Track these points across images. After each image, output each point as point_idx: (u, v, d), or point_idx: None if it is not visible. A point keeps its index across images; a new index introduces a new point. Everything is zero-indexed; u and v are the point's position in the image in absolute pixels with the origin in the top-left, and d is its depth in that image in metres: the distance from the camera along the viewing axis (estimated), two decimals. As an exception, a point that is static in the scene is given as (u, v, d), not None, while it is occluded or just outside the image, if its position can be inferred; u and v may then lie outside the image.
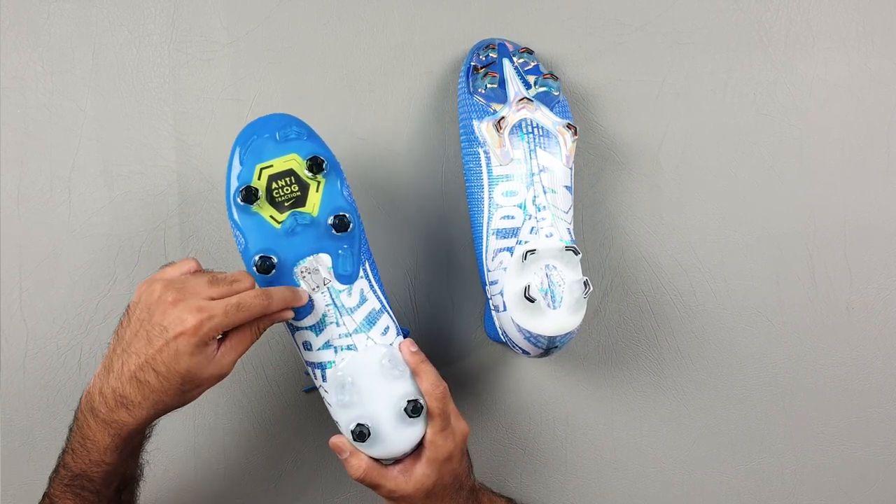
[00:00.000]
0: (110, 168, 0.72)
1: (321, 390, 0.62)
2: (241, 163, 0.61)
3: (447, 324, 0.75)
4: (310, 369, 0.62)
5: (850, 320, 0.77)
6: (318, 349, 0.61)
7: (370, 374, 0.60)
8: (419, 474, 0.61)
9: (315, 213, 0.61)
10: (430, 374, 0.61)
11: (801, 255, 0.77)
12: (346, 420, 0.60)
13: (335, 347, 0.61)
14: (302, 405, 0.74)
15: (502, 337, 0.67)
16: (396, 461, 0.62)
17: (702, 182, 0.76)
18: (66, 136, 0.72)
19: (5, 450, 0.72)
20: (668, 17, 0.76)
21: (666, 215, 0.76)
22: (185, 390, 0.56)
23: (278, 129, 0.61)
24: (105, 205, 0.72)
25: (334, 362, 0.61)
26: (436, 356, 0.75)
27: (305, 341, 0.61)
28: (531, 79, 0.70)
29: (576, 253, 0.64)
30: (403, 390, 0.61)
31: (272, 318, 0.59)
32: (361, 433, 0.59)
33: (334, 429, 0.72)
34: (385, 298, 0.63)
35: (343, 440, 0.61)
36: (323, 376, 0.61)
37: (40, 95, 0.72)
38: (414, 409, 0.60)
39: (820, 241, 0.77)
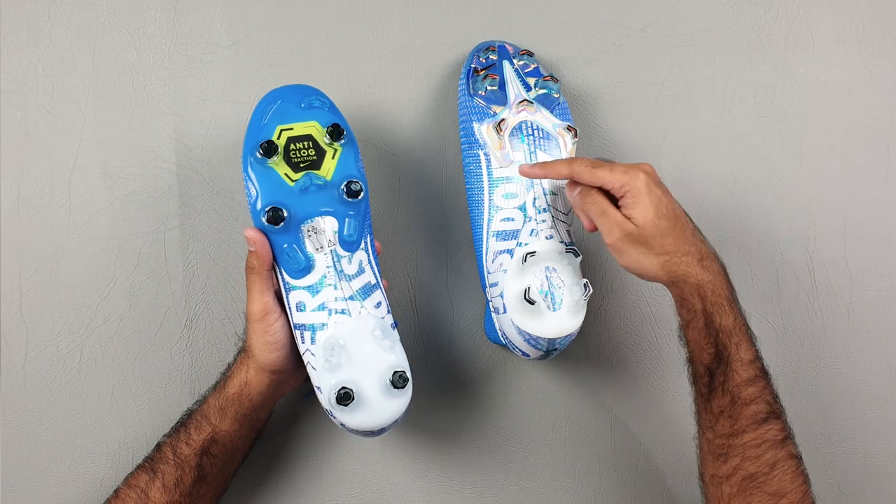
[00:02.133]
0: (110, 170, 0.72)
1: (307, 354, 0.62)
2: (263, 122, 0.62)
3: (447, 325, 0.75)
4: (298, 332, 0.62)
5: (851, 322, 0.77)
6: (312, 310, 0.61)
7: (361, 341, 0.61)
8: (638, 211, 0.61)
9: (329, 178, 0.62)
10: (554, 164, 0.64)
11: (801, 257, 0.77)
12: (330, 383, 0.60)
13: (329, 310, 0.61)
14: (302, 407, 0.74)
15: (502, 339, 0.67)
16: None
17: (702, 184, 0.76)
18: (67, 138, 0.72)
19: (5, 450, 0.72)
20: (668, 20, 0.76)
21: (666, 217, 0.76)
22: None
23: (303, 97, 0.63)
24: (105, 207, 0.72)
25: (326, 324, 0.61)
26: (435, 357, 0.75)
27: (300, 301, 0.62)
28: (531, 81, 0.70)
29: (576, 255, 0.64)
30: (391, 361, 0.61)
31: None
32: (346, 394, 0.59)
33: (334, 428, 0.72)
34: (380, 276, 0.64)
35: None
36: (312, 339, 0.61)
37: (40, 98, 0.72)
38: (400, 379, 0.60)
39: (820, 242, 0.77)
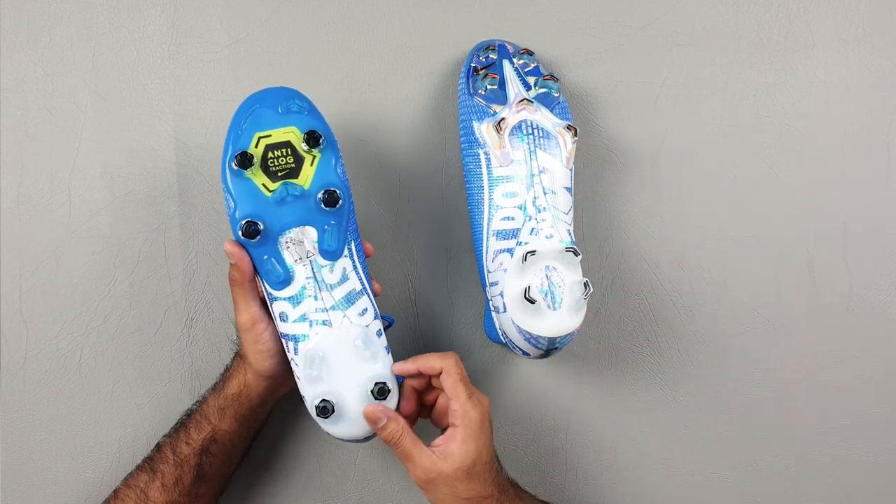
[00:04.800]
0: (110, 169, 0.72)
1: (292, 363, 0.62)
2: (241, 130, 0.61)
3: (447, 325, 0.75)
4: (283, 341, 0.62)
5: (851, 322, 0.77)
6: (294, 321, 0.61)
7: (342, 352, 0.61)
8: (459, 451, 0.59)
9: (307, 186, 0.61)
10: (430, 357, 0.62)
11: (801, 256, 0.77)
12: (311, 394, 0.61)
13: (310, 321, 0.61)
14: (301, 406, 0.74)
15: (502, 338, 0.67)
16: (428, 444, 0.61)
17: (702, 184, 0.76)
18: (67, 137, 0.72)
19: (5, 450, 0.72)
20: (668, 19, 0.76)
21: (666, 217, 0.76)
22: None
23: (281, 101, 0.62)
24: (105, 206, 0.72)
25: (308, 335, 0.61)
26: (436, 357, 0.75)
27: (282, 312, 0.62)
28: (531, 80, 0.70)
29: (576, 254, 0.64)
30: (373, 372, 0.61)
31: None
32: (325, 408, 0.60)
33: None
34: (367, 281, 0.64)
35: (375, 408, 0.61)
36: (295, 349, 0.61)
37: (40, 97, 0.72)
38: (380, 392, 0.61)
39: (820, 242, 0.77)
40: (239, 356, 0.66)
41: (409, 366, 0.63)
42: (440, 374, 0.62)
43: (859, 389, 0.78)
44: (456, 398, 0.61)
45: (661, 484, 0.77)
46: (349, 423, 0.61)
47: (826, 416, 0.77)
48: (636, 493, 0.76)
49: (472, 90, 0.70)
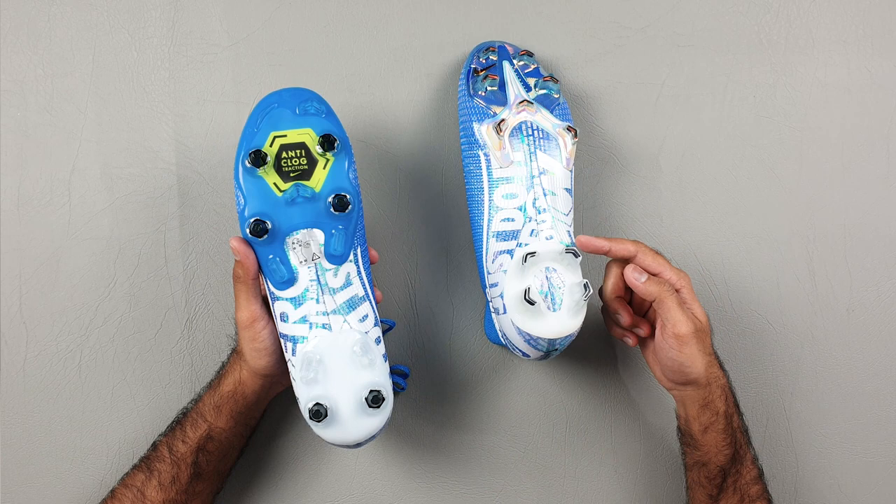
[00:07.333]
0: (110, 170, 0.72)
1: (289, 364, 0.62)
2: (257, 127, 0.61)
3: (447, 326, 0.75)
4: (282, 341, 0.62)
5: (851, 322, 0.77)
6: (294, 322, 0.61)
7: (339, 357, 0.61)
8: (695, 306, 0.64)
9: (318, 189, 0.61)
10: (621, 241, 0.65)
11: (801, 257, 0.77)
12: (306, 397, 0.61)
13: (310, 324, 0.61)
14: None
15: (502, 339, 0.67)
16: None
17: (702, 184, 0.76)
18: (67, 138, 0.72)
19: (5, 450, 0.72)
20: (668, 20, 0.76)
21: (666, 218, 0.76)
22: None
23: (299, 102, 0.62)
24: (105, 207, 0.72)
25: (307, 338, 0.61)
26: (435, 358, 0.75)
27: (283, 312, 0.62)
28: (531, 81, 0.70)
29: (576, 255, 0.64)
30: (369, 380, 0.61)
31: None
32: (318, 412, 0.60)
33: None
34: (370, 287, 0.64)
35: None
36: (293, 350, 0.61)
37: (40, 98, 0.72)
38: (375, 400, 0.60)
39: (820, 243, 0.77)
40: (235, 353, 0.66)
41: (601, 242, 0.65)
42: (633, 257, 0.65)
43: (859, 389, 0.78)
44: (664, 269, 0.64)
45: (660, 485, 0.77)
46: (341, 428, 0.61)
47: (826, 417, 0.78)
48: (635, 494, 0.76)
49: (472, 91, 0.70)
